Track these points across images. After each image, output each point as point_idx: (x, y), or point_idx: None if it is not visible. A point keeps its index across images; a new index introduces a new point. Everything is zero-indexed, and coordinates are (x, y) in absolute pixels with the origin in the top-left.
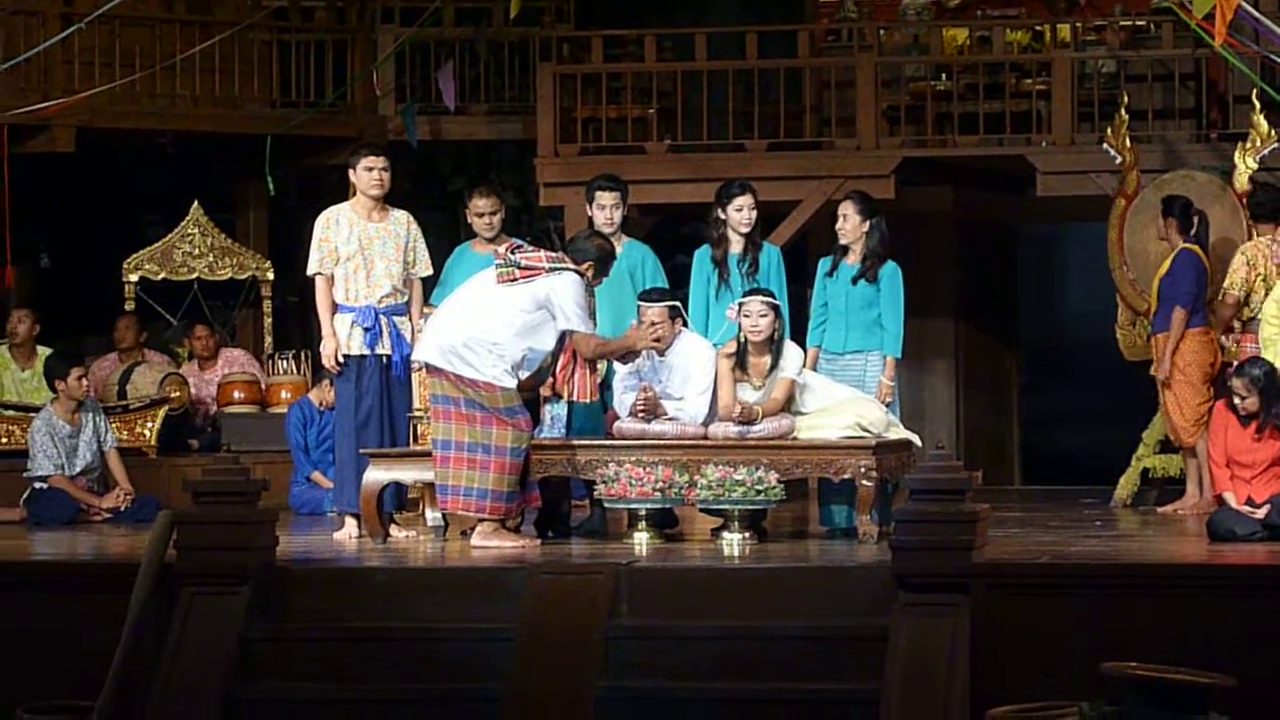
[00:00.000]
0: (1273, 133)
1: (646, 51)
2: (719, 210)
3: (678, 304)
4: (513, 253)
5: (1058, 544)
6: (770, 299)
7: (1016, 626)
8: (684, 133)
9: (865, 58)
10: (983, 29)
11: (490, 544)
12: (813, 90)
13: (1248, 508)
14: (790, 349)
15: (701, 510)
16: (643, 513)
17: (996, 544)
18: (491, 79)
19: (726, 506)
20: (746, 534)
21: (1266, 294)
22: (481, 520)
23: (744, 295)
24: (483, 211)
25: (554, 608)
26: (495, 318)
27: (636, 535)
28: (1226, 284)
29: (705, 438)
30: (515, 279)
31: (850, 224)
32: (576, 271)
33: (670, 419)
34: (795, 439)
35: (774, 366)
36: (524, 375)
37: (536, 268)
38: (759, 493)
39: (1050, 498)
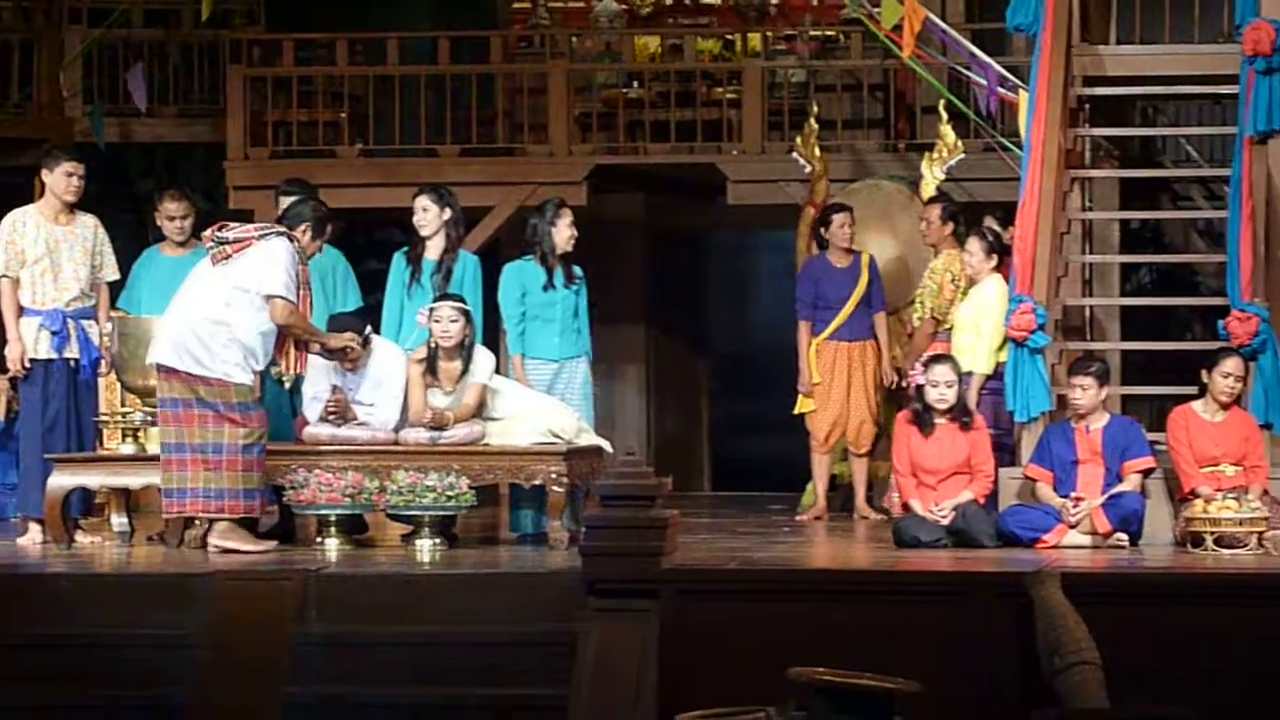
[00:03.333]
0: (959, 143)
1: (338, 55)
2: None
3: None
4: (220, 230)
5: (746, 550)
6: (461, 304)
7: (705, 631)
8: (376, 137)
9: (557, 65)
10: (674, 37)
11: (228, 544)
12: (505, 96)
13: (933, 514)
14: (481, 354)
15: (391, 517)
16: (332, 518)
17: (686, 549)
18: (181, 81)
19: (417, 512)
20: (437, 540)
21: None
22: (218, 521)
23: (434, 300)
24: (173, 215)
25: (241, 614)
26: (216, 300)
27: (326, 541)
28: (929, 306)
29: (396, 443)
30: (229, 256)
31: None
32: (288, 236)
33: (361, 424)
34: (486, 445)
35: (465, 372)
36: (258, 366)
37: (246, 239)
38: (450, 498)
39: (739, 504)
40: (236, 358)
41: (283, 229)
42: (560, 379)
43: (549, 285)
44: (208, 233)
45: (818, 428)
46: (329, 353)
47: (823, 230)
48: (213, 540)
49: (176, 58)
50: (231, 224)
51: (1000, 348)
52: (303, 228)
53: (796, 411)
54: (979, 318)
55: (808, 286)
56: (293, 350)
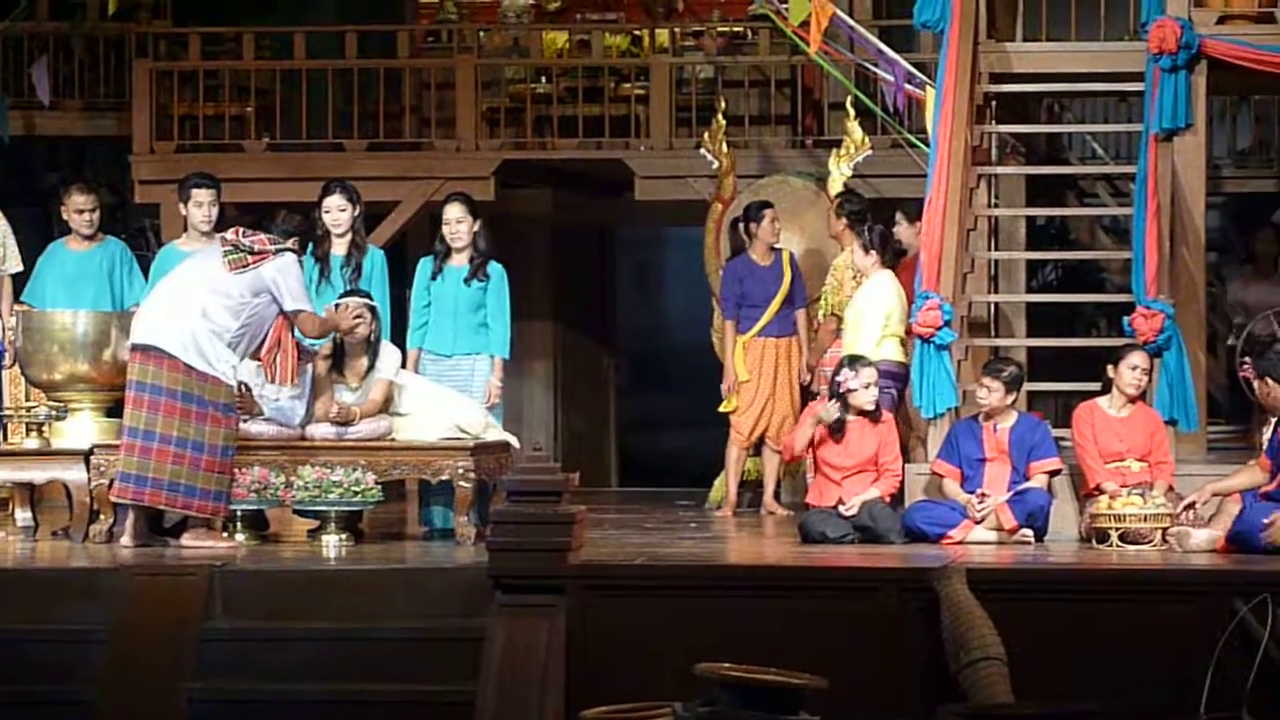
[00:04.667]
0: (866, 139)
1: (244, 49)
2: (318, 210)
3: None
4: (242, 237)
5: (654, 545)
6: (368, 300)
7: (612, 627)
8: (282, 131)
9: (465, 59)
10: (582, 33)
11: (202, 544)
12: (413, 91)
13: (840, 509)
14: (387, 350)
15: (297, 512)
16: (238, 514)
17: (593, 545)
18: (86, 75)
19: (323, 508)
20: (343, 535)
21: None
22: (189, 518)
23: (341, 296)
24: (81, 208)
25: (147, 609)
26: (226, 307)
27: (233, 537)
28: (832, 303)
29: (302, 439)
30: (247, 265)
31: (464, 228)
32: (293, 251)
33: (266, 419)
34: (393, 440)
35: (371, 368)
36: (241, 375)
37: (265, 251)
38: (356, 494)
39: (647, 499)
40: (234, 360)
41: (287, 244)
42: (456, 375)
43: (435, 277)
44: (230, 235)
45: (743, 424)
46: (347, 334)
47: (751, 227)
48: (186, 541)
49: (82, 51)
50: (250, 231)
51: (880, 343)
52: (293, 241)
53: (723, 409)
54: (861, 314)
55: (732, 285)
56: (280, 358)
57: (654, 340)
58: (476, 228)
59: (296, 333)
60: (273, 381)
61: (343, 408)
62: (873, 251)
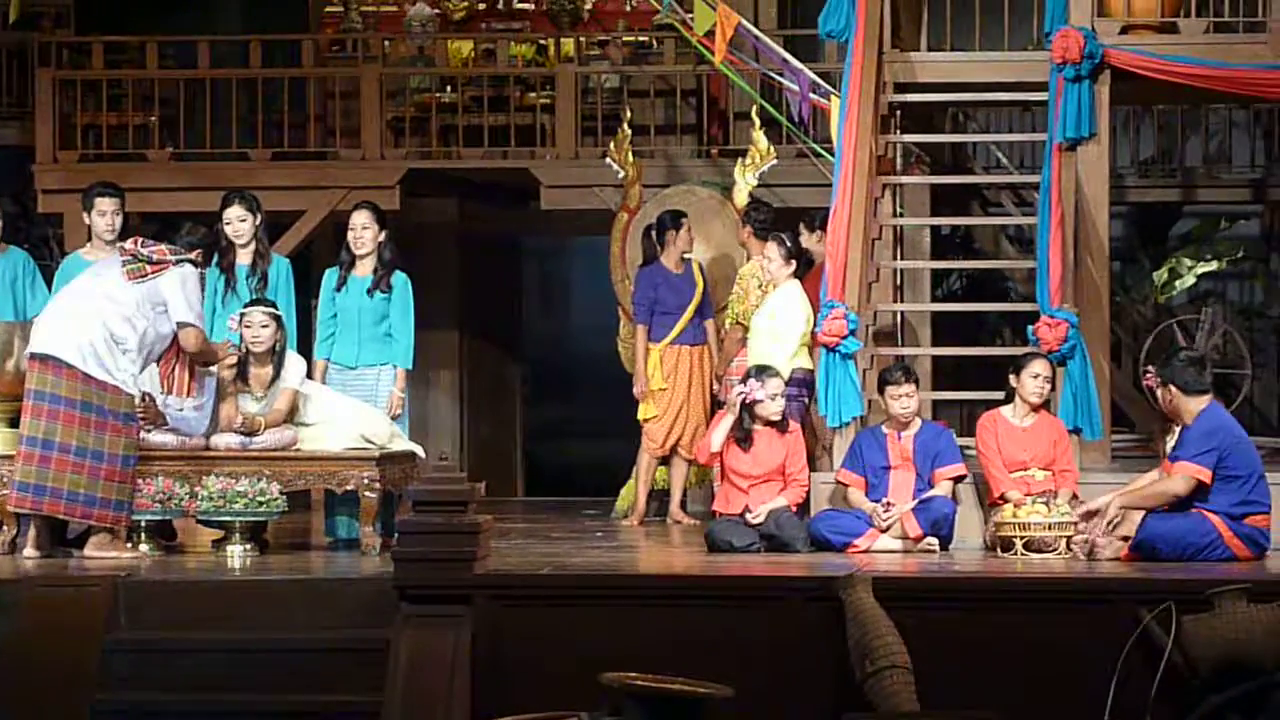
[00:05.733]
0: (772, 149)
1: (148, 58)
2: (220, 221)
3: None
4: (141, 247)
5: (560, 555)
6: (272, 309)
7: (519, 637)
8: (187, 141)
9: (370, 69)
10: (488, 42)
11: (107, 554)
12: (317, 100)
13: (746, 518)
14: (292, 359)
15: (201, 522)
16: (143, 524)
17: (499, 555)
18: None
19: (228, 518)
20: (248, 545)
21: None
22: (92, 528)
23: (246, 305)
24: None
25: (49, 620)
26: (124, 317)
27: (137, 547)
28: (737, 312)
29: (207, 448)
30: (146, 275)
31: (369, 234)
32: (192, 263)
33: (170, 429)
34: (298, 450)
35: (276, 377)
36: (142, 385)
37: (164, 261)
38: (261, 504)
39: (553, 509)
40: (134, 369)
41: (189, 256)
42: (361, 385)
43: (339, 288)
44: (129, 245)
45: (657, 432)
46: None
47: (669, 235)
48: (90, 551)
49: None
50: (149, 241)
51: (796, 353)
52: (197, 253)
53: (641, 417)
54: (774, 323)
55: (647, 292)
56: (180, 374)
57: (560, 349)
58: (382, 238)
59: None
60: (170, 393)
61: (247, 417)
62: (793, 261)
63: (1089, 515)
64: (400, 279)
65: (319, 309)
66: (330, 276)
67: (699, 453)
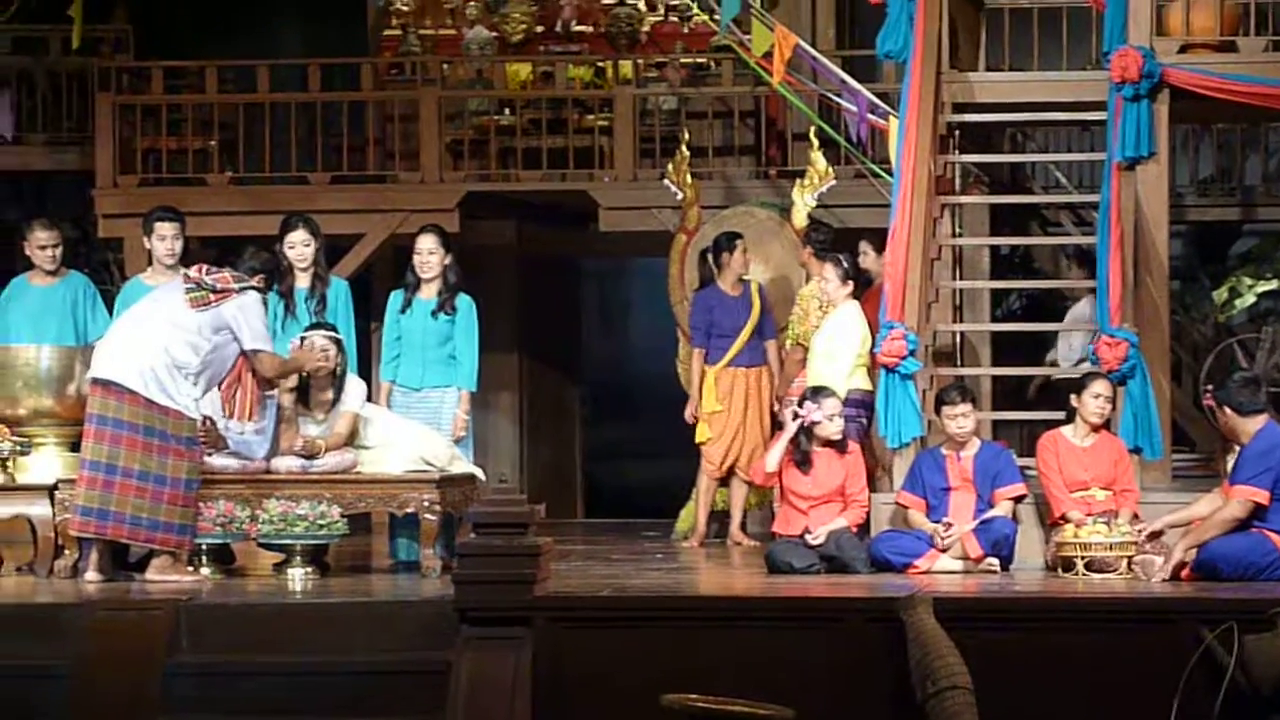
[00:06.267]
0: (830, 170)
1: (207, 83)
2: (280, 245)
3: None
4: (205, 274)
5: (620, 577)
6: (333, 333)
7: (579, 659)
8: (246, 165)
9: (429, 91)
10: (546, 64)
11: (168, 578)
12: (376, 123)
13: (806, 539)
14: (353, 382)
15: (262, 545)
16: (204, 548)
17: (559, 577)
18: (50, 109)
19: (289, 541)
20: (309, 569)
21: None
22: (154, 552)
23: (307, 329)
24: (44, 244)
25: (112, 644)
26: (187, 343)
27: (199, 571)
28: (798, 333)
29: (267, 472)
30: (209, 303)
31: (435, 258)
32: (257, 289)
33: (232, 453)
34: (358, 473)
35: (337, 400)
36: (204, 410)
37: (228, 290)
38: (321, 527)
39: (613, 531)
40: (196, 394)
41: (251, 283)
42: (425, 407)
43: (404, 310)
44: (193, 272)
45: (714, 454)
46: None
47: (724, 258)
48: (151, 575)
49: (45, 85)
50: (213, 269)
51: (852, 373)
52: (258, 279)
53: (698, 439)
54: (832, 344)
55: (702, 314)
56: (239, 395)
57: (619, 371)
58: (447, 261)
59: None
60: (232, 417)
61: (308, 441)
62: (850, 281)
63: (1153, 536)
64: (465, 301)
65: (384, 331)
66: (395, 299)
67: (755, 474)
